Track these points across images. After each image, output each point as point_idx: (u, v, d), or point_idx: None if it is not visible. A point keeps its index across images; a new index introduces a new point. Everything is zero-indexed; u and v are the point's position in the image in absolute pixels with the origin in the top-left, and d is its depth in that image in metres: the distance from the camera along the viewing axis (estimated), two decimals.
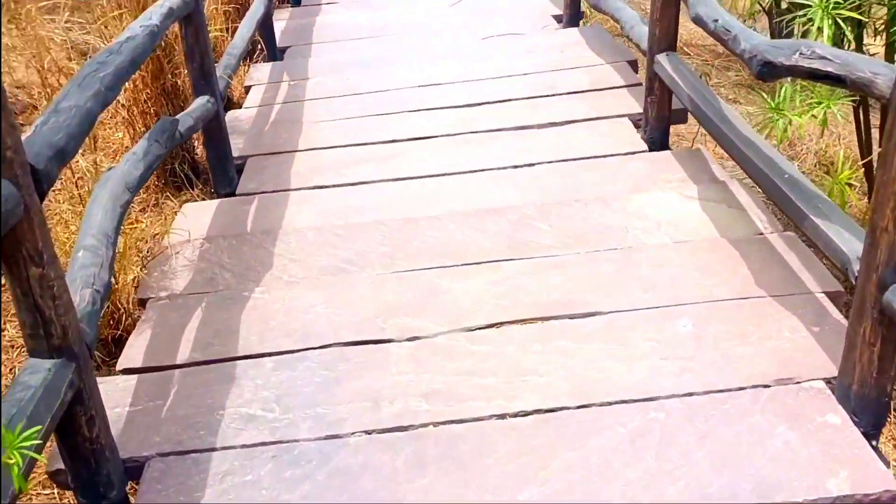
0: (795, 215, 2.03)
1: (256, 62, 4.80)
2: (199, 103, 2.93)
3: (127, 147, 3.65)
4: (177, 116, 2.67)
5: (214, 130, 3.07)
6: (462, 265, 2.52)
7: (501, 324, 2.21)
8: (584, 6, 4.73)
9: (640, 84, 3.76)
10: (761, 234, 2.51)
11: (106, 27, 3.40)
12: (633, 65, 4.04)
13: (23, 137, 1.61)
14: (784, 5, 2.75)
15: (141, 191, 3.40)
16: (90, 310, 1.77)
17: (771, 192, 2.19)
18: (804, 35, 5.88)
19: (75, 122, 1.74)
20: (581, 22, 4.85)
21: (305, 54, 4.72)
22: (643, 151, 3.17)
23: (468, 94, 3.83)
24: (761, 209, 2.64)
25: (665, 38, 3.04)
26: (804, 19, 2.34)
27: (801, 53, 1.79)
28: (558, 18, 4.95)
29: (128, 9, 3.39)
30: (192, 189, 3.47)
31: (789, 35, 5.86)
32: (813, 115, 2.56)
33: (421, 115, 3.68)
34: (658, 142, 3.22)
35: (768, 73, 1.91)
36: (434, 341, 2.16)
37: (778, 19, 4.15)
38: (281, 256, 2.65)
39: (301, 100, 4.00)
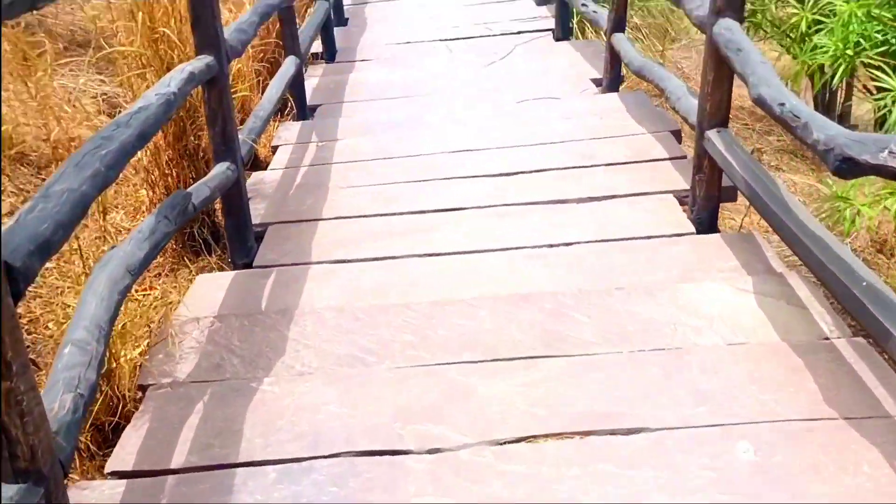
0: (877, 331, 1.78)
1: (286, 120, 4.68)
2: (219, 171, 2.77)
3: (148, 207, 3.51)
4: (191, 188, 2.50)
5: (234, 198, 2.91)
6: (492, 361, 2.28)
7: (535, 437, 1.96)
8: (624, 70, 4.56)
9: (685, 157, 3.55)
10: (827, 338, 2.24)
11: (131, 87, 3.28)
12: (677, 135, 3.83)
13: (3, 228, 1.44)
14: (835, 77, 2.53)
15: (159, 255, 3.25)
16: (69, 419, 1.56)
17: (844, 300, 1.94)
18: (846, 99, 5.63)
19: (66, 209, 1.56)
20: (620, 86, 4.67)
21: (336, 114, 4.59)
22: (690, 233, 2.93)
23: (502, 162, 3.64)
24: (825, 308, 2.37)
25: (717, 113, 2.82)
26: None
27: (890, 152, 1.56)
28: (597, 82, 4.77)
29: (153, 67, 3.28)
30: (211, 255, 3.30)
31: (831, 107, 5.65)
32: (886, 208, 2.32)
33: (452, 184, 3.49)
34: (706, 223, 2.98)
35: (848, 170, 1.68)
36: (457, 455, 1.92)
37: (878, 102, 3.86)
38: (295, 341, 2.44)
39: (329, 162, 3.85)
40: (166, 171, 3.37)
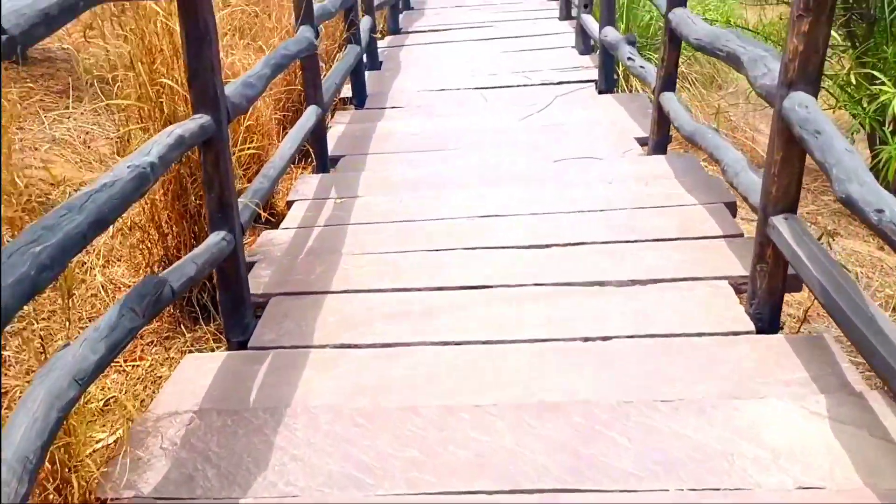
0: None
1: (306, 170, 4.40)
2: (212, 242, 2.46)
3: (144, 269, 3.23)
4: (168, 270, 2.18)
5: (229, 271, 2.59)
6: (509, 492, 1.91)
7: None
8: (672, 128, 4.19)
9: (741, 234, 3.16)
10: None
11: (128, 142, 3.02)
12: (732, 207, 3.44)
13: None
14: None
15: (154, 321, 2.96)
16: None
17: None
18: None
19: None
20: (667, 147, 4.29)
21: (359, 167, 4.29)
22: (748, 332, 2.53)
23: (533, 232, 3.28)
24: None
25: (784, 197, 2.44)
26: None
27: None
28: (642, 141, 4.41)
29: (155, 119, 3.01)
30: (209, 324, 3.00)
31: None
32: None
33: (477, 256, 3.14)
34: (767, 320, 2.57)
35: None
36: None
37: None
38: (282, 450, 2.09)
39: (345, 223, 3.53)
40: (165, 232, 3.10)
